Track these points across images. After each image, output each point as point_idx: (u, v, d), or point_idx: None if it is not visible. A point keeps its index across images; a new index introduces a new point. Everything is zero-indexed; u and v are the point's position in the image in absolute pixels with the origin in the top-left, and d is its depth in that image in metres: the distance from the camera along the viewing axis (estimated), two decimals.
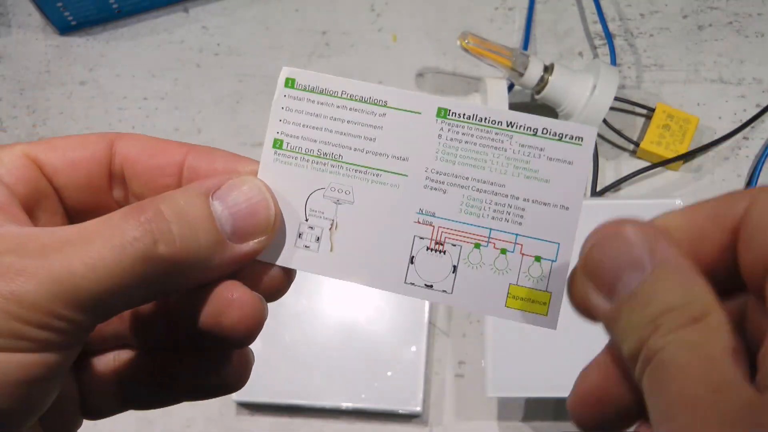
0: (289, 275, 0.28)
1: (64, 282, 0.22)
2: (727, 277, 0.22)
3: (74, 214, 0.28)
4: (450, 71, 0.66)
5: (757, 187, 0.22)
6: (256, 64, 0.67)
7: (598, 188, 0.61)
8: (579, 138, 0.26)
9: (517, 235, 0.26)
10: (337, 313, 0.57)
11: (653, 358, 0.20)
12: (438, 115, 0.27)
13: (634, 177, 0.61)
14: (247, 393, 0.56)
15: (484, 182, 0.27)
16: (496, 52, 0.58)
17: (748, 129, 0.62)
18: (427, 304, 0.57)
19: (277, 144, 0.27)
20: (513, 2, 0.67)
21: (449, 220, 0.27)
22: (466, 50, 0.58)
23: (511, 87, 0.61)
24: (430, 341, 0.57)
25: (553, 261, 0.26)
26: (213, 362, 0.27)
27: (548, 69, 0.58)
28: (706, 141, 0.61)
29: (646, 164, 0.61)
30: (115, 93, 0.67)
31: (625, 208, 0.54)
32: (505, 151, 0.26)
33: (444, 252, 0.27)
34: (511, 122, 0.26)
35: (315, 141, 0.27)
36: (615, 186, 0.61)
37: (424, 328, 0.57)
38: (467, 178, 0.27)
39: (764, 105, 0.62)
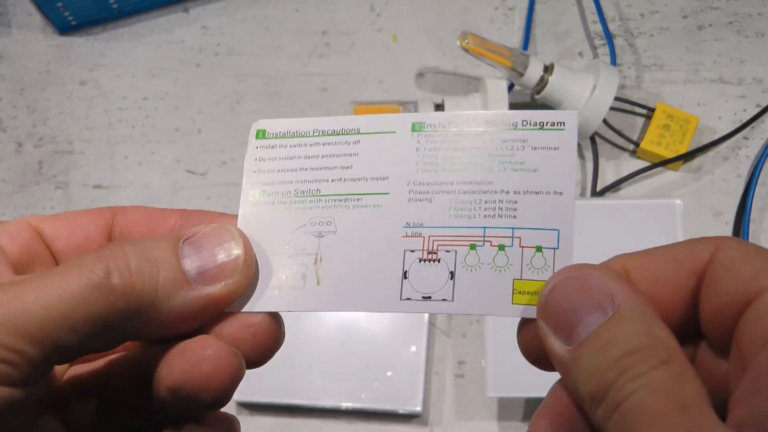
0: (279, 327, 0.27)
1: (12, 311, 0.22)
2: (681, 322, 0.22)
3: None
4: (450, 71, 0.66)
5: (720, 236, 0.22)
6: (256, 64, 0.67)
7: (598, 188, 0.61)
8: (560, 123, 0.25)
9: (513, 228, 0.25)
10: (337, 313, 0.57)
11: (622, 403, 0.19)
12: (413, 129, 0.26)
13: (634, 177, 0.61)
14: (247, 393, 0.56)
15: (470, 183, 0.26)
16: (496, 52, 0.58)
17: (748, 129, 0.62)
18: None
19: (254, 194, 0.27)
20: (513, 2, 0.67)
21: (439, 227, 0.26)
22: (466, 50, 0.58)
23: (511, 87, 0.61)
24: (430, 341, 0.57)
25: (555, 249, 0.25)
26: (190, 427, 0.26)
27: (548, 69, 0.58)
28: (706, 141, 0.61)
29: (646, 164, 0.61)
30: (115, 93, 0.67)
31: (625, 208, 0.54)
32: (487, 149, 0.26)
33: (438, 260, 0.26)
34: (489, 122, 0.26)
35: (291, 182, 0.27)
36: (615, 186, 0.61)
37: (424, 328, 0.57)
38: (452, 183, 0.26)
39: (764, 105, 0.62)
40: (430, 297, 0.25)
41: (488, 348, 0.52)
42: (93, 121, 0.66)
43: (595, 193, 0.60)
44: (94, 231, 0.28)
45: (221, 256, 0.25)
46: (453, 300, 0.25)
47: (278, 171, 0.27)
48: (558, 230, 0.25)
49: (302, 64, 0.66)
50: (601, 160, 0.62)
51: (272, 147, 0.27)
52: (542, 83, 0.58)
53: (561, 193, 0.25)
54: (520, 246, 0.25)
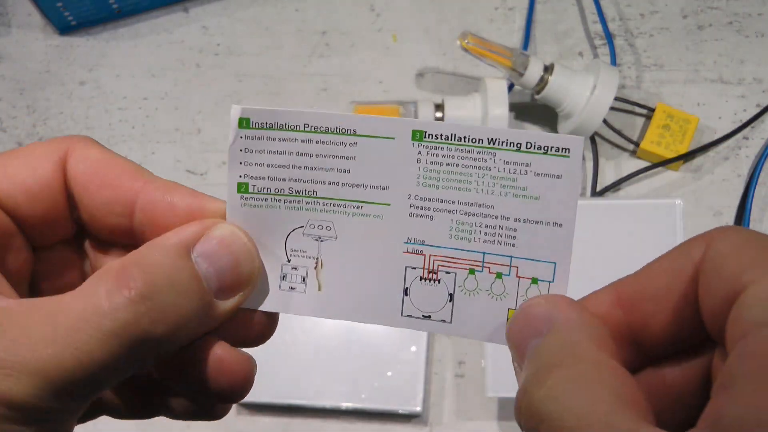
0: (272, 319, 0.27)
1: (55, 378, 0.21)
2: (691, 331, 0.22)
3: (37, 245, 0.27)
4: (450, 71, 0.66)
5: (715, 229, 0.22)
6: (256, 64, 0.67)
7: (598, 188, 0.61)
8: (565, 150, 0.24)
9: (511, 257, 0.25)
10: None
11: (535, 415, 0.20)
12: (413, 138, 0.25)
13: (634, 177, 0.61)
14: None
15: (472, 204, 0.25)
16: (496, 52, 0.58)
17: (748, 129, 0.62)
18: None
19: (242, 188, 0.26)
20: (513, 2, 0.67)
21: (440, 247, 0.26)
22: (466, 50, 0.58)
23: (511, 87, 0.61)
24: (430, 341, 0.57)
25: (550, 282, 0.25)
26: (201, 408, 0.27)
27: (548, 69, 0.58)
28: (706, 141, 0.61)
29: (646, 164, 0.61)
30: (115, 93, 0.67)
31: (625, 208, 0.54)
32: (490, 170, 0.25)
33: (438, 281, 0.26)
34: (492, 139, 0.25)
35: (284, 180, 0.26)
36: (615, 186, 0.61)
37: None
38: (454, 202, 0.25)
39: (764, 105, 0.62)
40: (430, 317, 0.26)
41: (488, 348, 0.52)
42: (93, 121, 0.66)
43: (595, 193, 0.60)
44: (54, 191, 0.26)
45: (238, 268, 0.25)
46: (452, 322, 0.26)
47: (268, 166, 0.26)
48: (555, 264, 0.25)
49: (302, 64, 0.66)
50: (601, 160, 0.62)
51: (258, 138, 0.26)
52: (542, 83, 0.58)
53: (561, 225, 0.25)
54: (517, 276, 0.25)
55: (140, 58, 0.67)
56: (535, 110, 0.64)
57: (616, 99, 0.59)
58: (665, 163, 0.60)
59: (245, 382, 0.25)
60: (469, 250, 0.25)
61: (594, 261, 0.52)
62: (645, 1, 0.66)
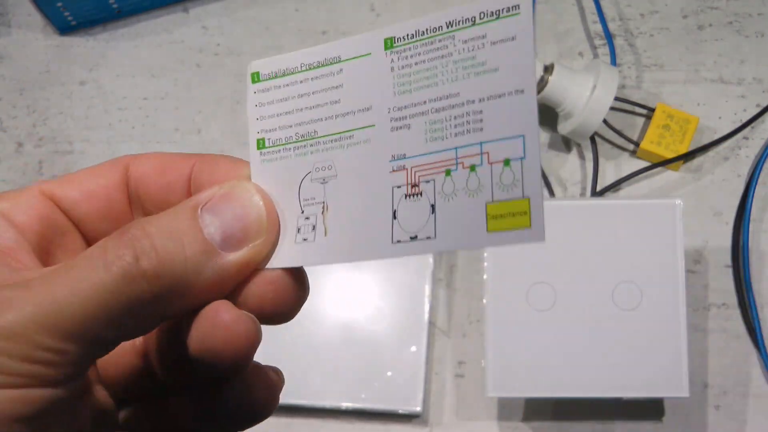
0: (301, 282, 0.25)
1: (47, 309, 0.21)
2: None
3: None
4: None
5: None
6: None
7: (598, 188, 0.61)
8: (515, 7, 0.22)
9: (481, 143, 0.23)
10: (337, 312, 0.57)
11: None
12: (386, 47, 0.24)
13: (634, 177, 0.61)
14: None
15: (440, 99, 0.24)
16: None
17: (748, 129, 0.62)
18: (427, 303, 0.57)
19: (260, 144, 0.26)
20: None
21: (419, 155, 0.24)
22: None
23: None
24: (430, 341, 0.57)
25: (522, 158, 0.22)
26: (208, 395, 0.26)
27: (548, 69, 0.58)
28: (706, 141, 0.61)
29: (646, 164, 0.61)
30: (115, 93, 0.67)
31: (625, 208, 0.54)
32: (452, 55, 0.23)
33: (420, 194, 0.24)
34: (449, 21, 0.23)
35: (291, 126, 0.26)
36: (615, 186, 0.61)
37: (424, 328, 0.57)
38: (425, 102, 0.24)
39: (764, 105, 0.62)
40: (416, 237, 0.24)
41: (488, 348, 0.52)
42: (93, 121, 0.66)
43: (595, 193, 0.60)
44: (113, 190, 0.27)
45: (244, 219, 0.24)
46: (435, 237, 0.23)
47: (278, 115, 0.26)
48: (523, 136, 0.22)
49: None
50: (601, 160, 0.62)
51: (267, 90, 0.26)
52: (542, 83, 0.58)
53: (522, 91, 0.22)
54: (488, 162, 0.23)
55: (140, 58, 0.67)
56: None
57: (616, 99, 0.59)
58: (665, 163, 0.60)
59: (245, 343, 0.24)
60: (443, 150, 0.24)
61: (594, 261, 0.52)
62: (645, 1, 0.66)
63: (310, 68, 0.25)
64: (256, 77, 0.26)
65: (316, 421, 0.57)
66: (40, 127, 0.66)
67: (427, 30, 0.24)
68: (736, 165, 0.61)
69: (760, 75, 0.63)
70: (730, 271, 0.59)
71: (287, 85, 0.26)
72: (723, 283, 0.59)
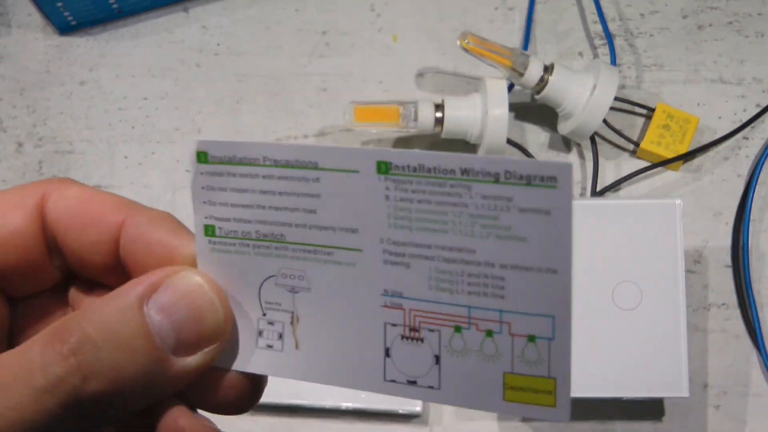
0: (256, 382, 0.24)
1: None
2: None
3: (15, 294, 0.25)
4: (450, 71, 0.66)
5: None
6: (256, 64, 0.67)
7: (598, 188, 0.61)
8: (551, 179, 0.20)
9: (501, 311, 0.21)
10: None
11: None
12: (379, 171, 0.22)
13: (634, 177, 0.61)
14: None
15: (451, 249, 0.21)
16: (496, 52, 0.58)
17: (748, 129, 0.62)
18: None
19: (209, 231, 0.24)
20: (513, 2, 0.67)
21: (420, 300, 0.22)
22: (466, 50, 0.58)
23: (511, 87, 0.61)
24: None
25: (550, 339, 0.21)
26: None
27: (548, 69, 0.58)
28: (706, 141, 0.61)
29: (646, 164, 0.61)
30: (115, 93, 0.67)
31: (625, 208, 0.54)
32: (467, 206, 0.21)
33: (421, 340, 0.22)
34: (465, 169, 0.21)
35: (250, 221, 0.23)
36: (615, 186, 0.61)
37: None
38: (430, 246, 0.22)
39: (764, 105, 0.62)
40: (415, 382, 0.23)
41: None
42: (93, 121, 0.66)
43: (595, 193, 0.60)
44: (28, 239, 0.24)
45: (200, 323, 0.22)
46: (440, 388, 0.22)
47: (232, 206, 0.23)
48: (553, 317, 0.21)
49: (302, 64, 0.66)
50: (601, 160, 0.62)
51: (219, 174, 0.23)
52: (542, 83, 0.58)
53: (555, 272, 0.20)
54: (510, 333, 0.21)
55: (140, 58, 0.67)
56: (535, 110, 0.64)
57: (616, 99, 0.59)
58: (665, 163, 0.60)
59: None
60: (452, 304, 0.22)
61: (594, 261, 0.52)
62: (645, 1, 0.66)
63: (276, 165, 0.22)
64: (203, 157, 0.23)
65: (316, 421, 0.57)
66: (40, 127, 0.66)
67: (434, 169, 0.21)
68: (736, 165, 0.61)
69: (760, 75, 0.63)
70: (729, 271, 0.59)
71: (245, 175, 0.23)
72: (723, 283, 0.59)
